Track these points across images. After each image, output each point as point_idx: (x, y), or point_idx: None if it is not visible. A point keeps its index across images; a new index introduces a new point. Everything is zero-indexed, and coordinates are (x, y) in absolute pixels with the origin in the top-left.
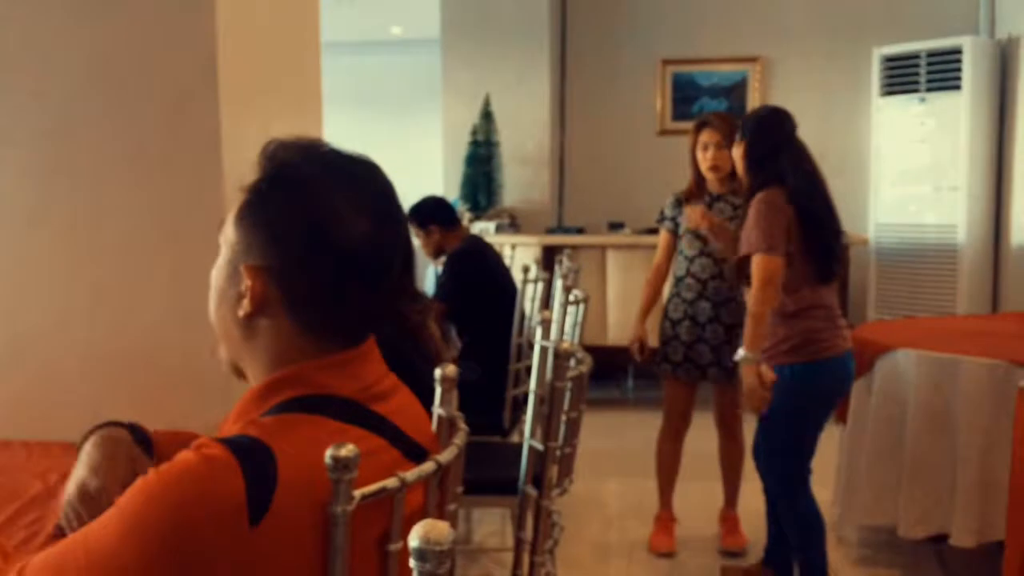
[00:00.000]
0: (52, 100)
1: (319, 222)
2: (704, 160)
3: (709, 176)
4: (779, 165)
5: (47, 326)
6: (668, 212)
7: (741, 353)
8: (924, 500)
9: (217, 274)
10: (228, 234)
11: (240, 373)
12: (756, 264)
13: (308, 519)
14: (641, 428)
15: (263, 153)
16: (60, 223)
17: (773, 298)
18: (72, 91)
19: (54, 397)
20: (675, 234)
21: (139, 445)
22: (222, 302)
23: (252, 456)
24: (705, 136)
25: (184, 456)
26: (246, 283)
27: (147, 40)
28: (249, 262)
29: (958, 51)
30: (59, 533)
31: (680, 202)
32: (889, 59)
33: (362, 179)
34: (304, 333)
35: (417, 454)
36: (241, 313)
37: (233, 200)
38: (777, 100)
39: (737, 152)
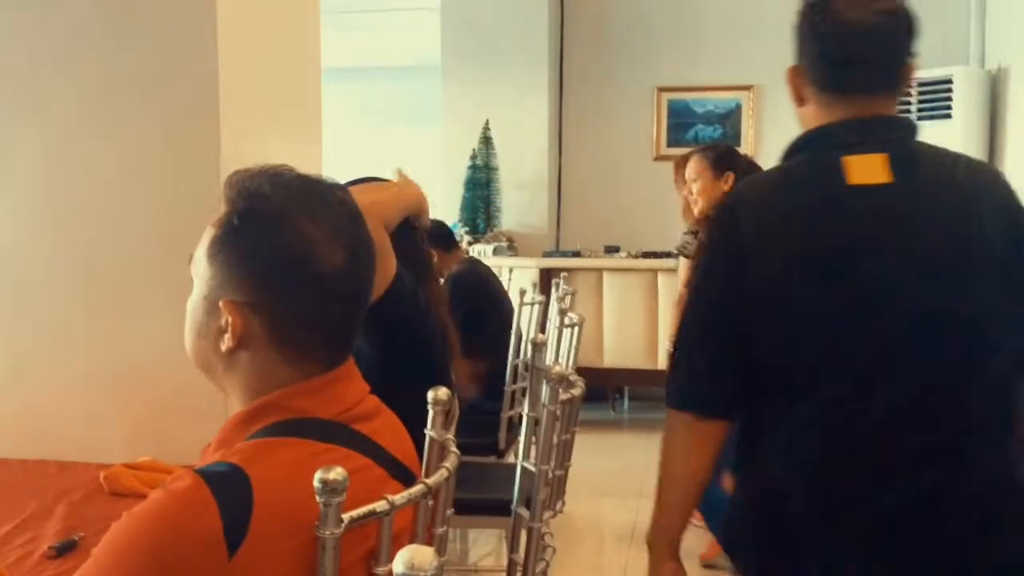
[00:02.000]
0: (53, 122)
1: (297, 254)
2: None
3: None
4: None
5: (44, 345)
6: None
7: None
8: None
9: (193, 309)
10: (201, 269)
11: None
12: None
13: (290, 543)
14: (636, 450)
15: (229, 185)
16: (59, 243)
17: None
18: (74, 112)
19: (50, 416)
20: None
21: None
22: (201, 337)
23: (226, 485)
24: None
25: (155, 497)
26: (227, 318)
27: (148, 63)
28: (228, 297)
29: (949, 81)
30: (52, 553)
31: (694, 233)
32: None
33: (332, 206)
34: (286, 361)
35: (401, 473)
36: (224, 348)
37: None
38: (770, 127)
39: (726, 183)
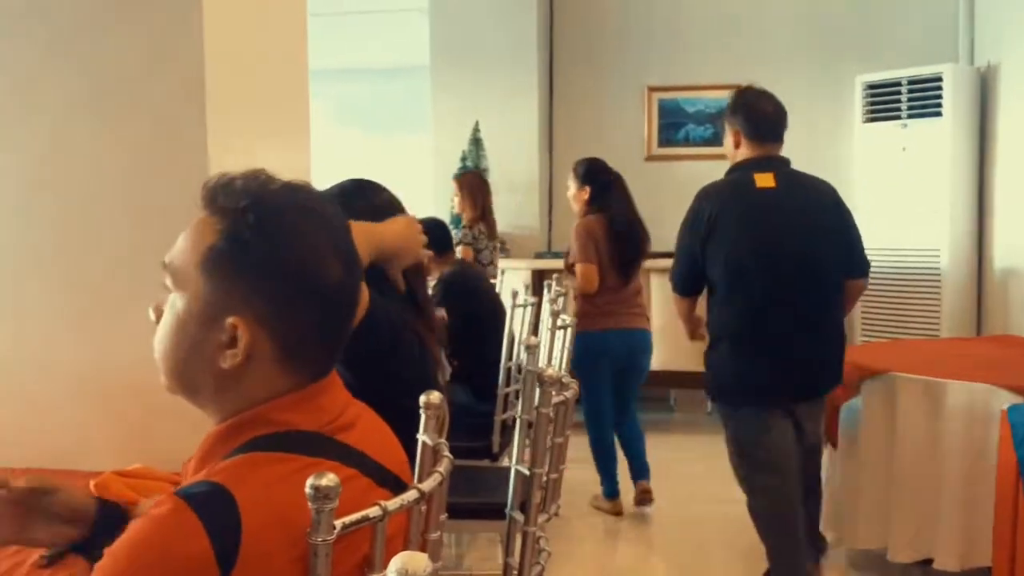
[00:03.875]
0: (41, 123)
1: (306, 268)
2: None
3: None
4: (605, 199)
5: (31, 352)
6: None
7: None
8: (912, 524)
9: (181, 324)
10: (191, 281)
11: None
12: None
13: (283, 558)
14: None
15: (225, 194)
16: (45, 248)
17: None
18: (61, 114)
19: (39, 424)
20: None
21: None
22: (194, 353)
23: (213, 508)
24: None
25: (138, 527)
26: (235, 334)
27: (134, 64)
28: (234, 312)
29: (939, 79)
30: (43, 563)
31: (469, 227)
32: (871, 86)
33: (329, 216)
34: (285, 374)
35: (389, 480)
36: (226, 365)
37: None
38: None
39: (584, 194)
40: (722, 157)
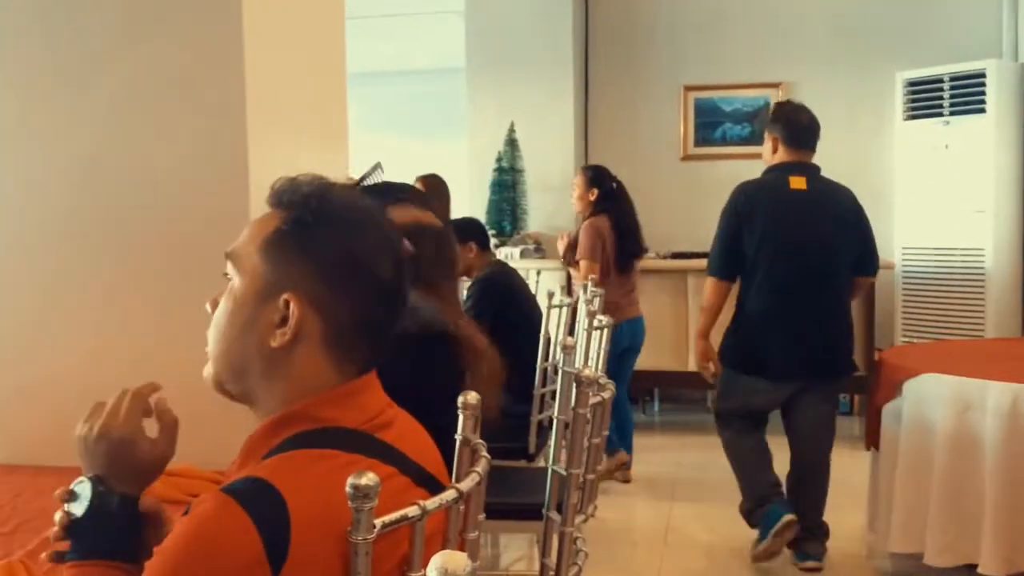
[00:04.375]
0: (85, 129)
1: (363, 256)
2: None
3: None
4: (610, 202)
5: (77, 353)
6: None
7: None
8: (952, 527)
9: (238, 305)
10: (250, 264)
11: (228, 393)
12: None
13: (329, 555)
14: (667, 451)
15: (290, 189)
16: (88, 253)
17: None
18: (104, 121)
19: None
20: None
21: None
22: (246, 332)
23: (261, 505)
24: None
25: (184, 528)
26: (288, 311)
27: (175, 71)
28: (288, 290)
29: (982, 75)
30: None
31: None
32: (912, 83)
33: (383, 218)
34: (331, 362)
35: (425, 480)
36: (275, 344)
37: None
38: None
39: (591, 195)
40: (759, 156)
